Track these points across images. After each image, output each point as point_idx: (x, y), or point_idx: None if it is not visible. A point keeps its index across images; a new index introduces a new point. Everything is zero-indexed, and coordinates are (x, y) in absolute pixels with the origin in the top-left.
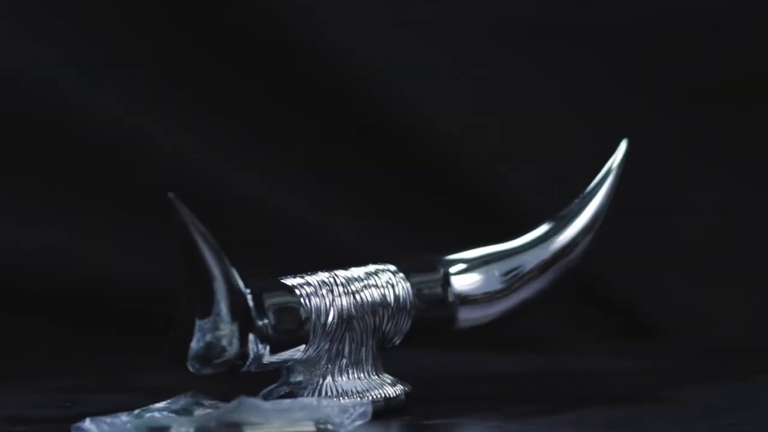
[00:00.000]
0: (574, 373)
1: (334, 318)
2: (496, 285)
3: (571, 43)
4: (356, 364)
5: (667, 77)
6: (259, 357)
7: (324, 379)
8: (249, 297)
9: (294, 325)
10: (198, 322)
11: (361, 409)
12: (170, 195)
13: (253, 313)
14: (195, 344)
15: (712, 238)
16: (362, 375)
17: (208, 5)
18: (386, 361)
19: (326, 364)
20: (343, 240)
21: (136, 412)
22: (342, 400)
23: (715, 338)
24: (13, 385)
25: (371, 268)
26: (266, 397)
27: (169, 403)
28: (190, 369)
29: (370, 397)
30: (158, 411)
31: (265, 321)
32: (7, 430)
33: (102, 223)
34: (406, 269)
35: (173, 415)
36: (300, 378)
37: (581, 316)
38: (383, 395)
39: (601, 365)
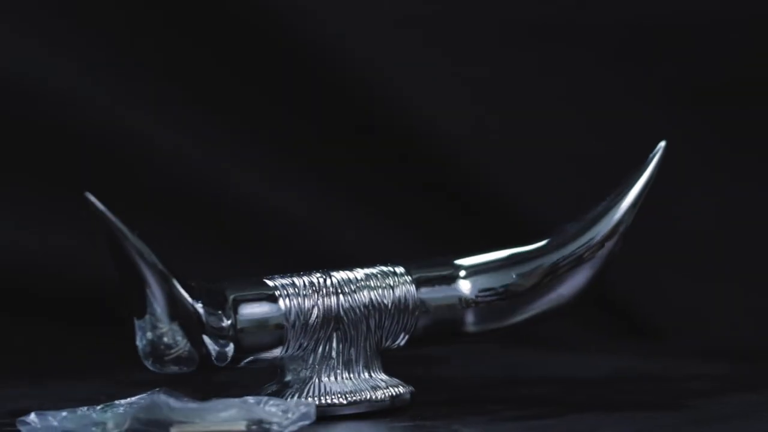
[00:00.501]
0: (574, 375)
1: (317, 318)
2: (513, 289)
3: (571, 43)
4: (346, 364)
5: (667, 77)
6: (223, 355)
7: (311, 378)
8: (191, 296)
9: (263, 325)
10: (137, 322)
11: (304, 410)
12: (86, 194)
13: (202, 311)
14: (139, 343)
15: (712, 238)
16: (352, 376)
17: (208, 5)
18: (401, 361)
19: (313, 363)
20: (343, 240)
21: (100, 407)
22: (288, 401)
23: (715, 338)
24: (16, 383)
25: (375, 269)
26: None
27: (140, 397)
28: (151, 368)
29: (356, 399)
30: (123, 407)
31: (227, 321)
32: (8, 422)
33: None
34: (414, 271)
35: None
36: (289, 377)
37: (581, 316)
38: (368, 397)
39: (601, 367)
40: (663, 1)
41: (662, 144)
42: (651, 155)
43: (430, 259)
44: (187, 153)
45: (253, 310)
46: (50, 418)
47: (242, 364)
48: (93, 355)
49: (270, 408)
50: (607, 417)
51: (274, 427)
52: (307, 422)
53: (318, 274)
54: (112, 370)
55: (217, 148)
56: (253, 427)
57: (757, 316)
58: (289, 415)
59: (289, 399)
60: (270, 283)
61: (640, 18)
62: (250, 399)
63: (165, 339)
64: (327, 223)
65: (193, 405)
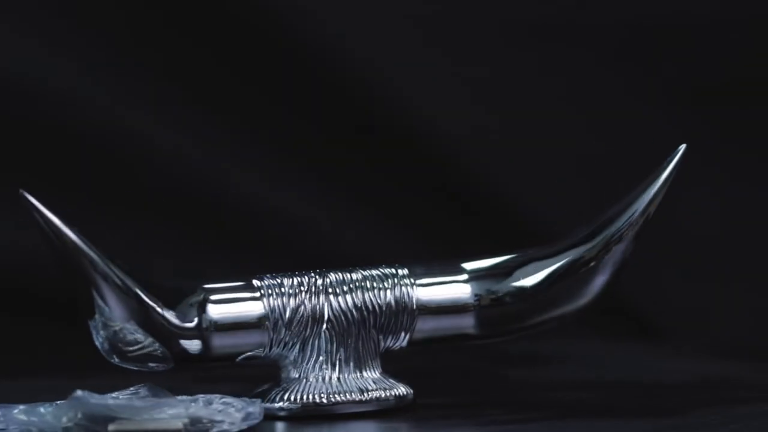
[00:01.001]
0: (572, 376)
1: (302, 318)
2: (518, 293)
3: (571, 43)
4: (335, 365)
5: (667, 77)
6: (196, 353)
7: (298, 378)
8: (150, 295)
9: (238, 324)
10: (89, 322)
11: (250, 410)
12: (21, 192)
13: (165, 313)
14: (96, 342)
15: (712, 238)
16: (341, 377)
17: (208, 5)
18: (411, 363)
19: (302, 363)
20: (343, 240)
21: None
22: (238, 400)
23: (715, 338)
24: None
25: (376, 270)
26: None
27: (121, 392)
28: (128, 366)
29: (339, 399)
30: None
31: (188, 321)
32: None
33: (102, 223)
34: (417, 273)
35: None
36: (282, 376)
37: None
38: (353, 398)
39: (600, 369)
40: (663, 1)
41: (683, 147)
42: (669, 158)
43: (437, 261)
44: (187, 153)
45: (225, 309)
46: (12, 410)
47: (238, 360)
48: (92, 354)
49: (217, 407)
50: (599, 424)
51: (224, 426)
52: (254, 422)
53: (312, 275)
54: (113, 368)
55: (217, 148)
56: (192, 426)
57: (757, 316)
58: (235, 415)
59: (274, 398)
60: (256, 283)
61: (640, 18)
62: (202, 398)
63: (121, 336)
64: (327, 223)
65: (131, 402)
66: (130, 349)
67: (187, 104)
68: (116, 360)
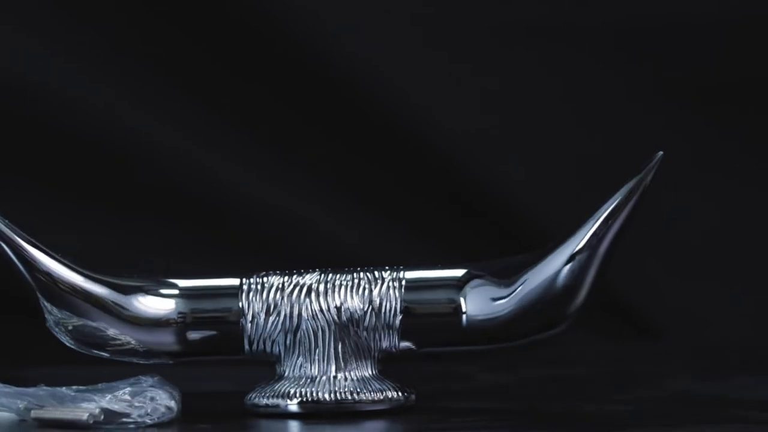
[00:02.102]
0: (570, 380)
1: (279, 316)
2: (512, 296)
3: (571, 43)
4: (313, 365)
5: (667, 77)
6: (164, 348)
7: (281, 376)
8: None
9: (209, 320)
10: (47, 325)
11: (163, 405)
12: None
13: (125, 305)
14: (61, 339)
15: (711, 238)
16: (319, 377)
17: (208, 5)
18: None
19: (284, 362)
20: (343, 240)
21: (83, 388)
22: (160, 394)
23: (715, 338)
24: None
25: (370, 271)
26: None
27: (121, 381)
28: (127, 360)
29: (304, 400)
30: (96, 392)
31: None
32: None
33: (101, 223)
34: (412, 275)
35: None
36: (276, 373)
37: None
38: (318, 398)
39: (603, 374)
40: (663, 1)
41: (659, 154)
42: (643, 164)
43: (433, 263)
44: (187, 152)
45: (194, 305)
46: None
47: (241, 356)
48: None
49: (135, 401)
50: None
51: (133, 418)
52: (167, 417)
53: (299, 274)
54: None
55: (218, 147)
56: (104, 417)
57: (756, 316)
58: (148, 408)
59: (254, 395)
60: (236, 280)
61: (641, 18)
62: (129, 390)
63: (82, 330)
64: (327, 223)
65: (41, 392)
66: (110, 343)
67: (188, 104)
68: (105, 355)
